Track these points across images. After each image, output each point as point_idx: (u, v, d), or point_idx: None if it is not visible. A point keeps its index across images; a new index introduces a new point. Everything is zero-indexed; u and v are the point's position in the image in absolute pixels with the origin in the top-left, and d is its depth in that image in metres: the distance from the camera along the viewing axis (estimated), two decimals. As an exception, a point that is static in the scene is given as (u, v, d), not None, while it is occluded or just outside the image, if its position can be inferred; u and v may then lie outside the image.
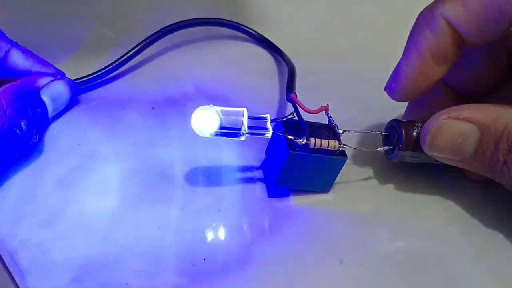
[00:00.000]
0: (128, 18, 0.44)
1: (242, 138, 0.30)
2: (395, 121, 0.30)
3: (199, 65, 0.40)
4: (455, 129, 0.28)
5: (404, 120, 0.31)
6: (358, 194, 0.31)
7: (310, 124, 0.30)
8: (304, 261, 0.28)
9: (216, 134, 0.29)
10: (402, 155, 0.30)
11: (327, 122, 0.30)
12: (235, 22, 0.42)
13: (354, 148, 0.30)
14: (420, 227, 0.29)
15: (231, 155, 0.33)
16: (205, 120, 0.29)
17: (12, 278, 0.27)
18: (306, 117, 0.30)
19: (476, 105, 0.29)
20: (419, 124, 0.30)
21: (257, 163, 0.33)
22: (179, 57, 0.41)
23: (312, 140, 0.28)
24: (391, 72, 0.31)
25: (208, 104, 0.29)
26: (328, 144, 0.29)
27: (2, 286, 0.27)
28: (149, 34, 0.39)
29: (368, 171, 0.33)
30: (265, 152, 0.32)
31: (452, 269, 0.27)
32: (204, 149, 0.33)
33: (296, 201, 0.31)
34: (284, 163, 0.29)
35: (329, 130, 0.30)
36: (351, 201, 0.31)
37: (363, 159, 0.33)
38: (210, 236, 0.29)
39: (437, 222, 0.30)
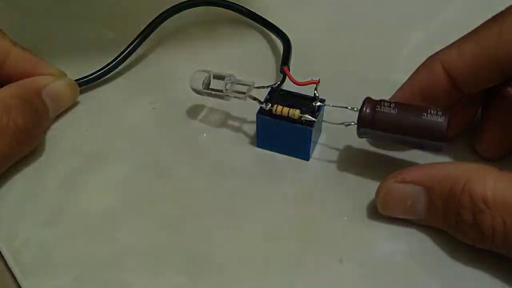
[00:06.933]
0: (128, 18, 0.44)
1: (227, 99, 0.33)
2: (366, 98, 0.30)
3: (197, 54, 0.41)
4: (402, 192, 0.28)
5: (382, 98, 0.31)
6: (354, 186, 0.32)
7: (295, 95, 0.33)
8: (303, 260, 0.28)
9: (206, 93, 0.33)
10: (362, 132, 0.30)
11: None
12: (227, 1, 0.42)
13: (315, 120, 0.31)
14: (420, 226, 0.29)
15: (231, 154, 0.33)
16: (198, 80, 0.33)
17: (14, 278, 0.27)
18: (302, 90, 0.32)
19: (424, 166, 0.29)
20: (386, 103, 0.29)
21: (257, 161, 0.33)
22: (176, 50, 0.41)
23: (275, 106, 0.31)
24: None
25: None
26: (288, 112, 0.31)
27: (3, 286, 0.27)
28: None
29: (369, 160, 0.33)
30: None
31: (452, 269, 0.27)
32: (204, 147, 0.34)
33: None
34: (257, 125, 0.32)
35: (308, 103, 0.32)
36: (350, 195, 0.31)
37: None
38: (210, 235, 0.29)
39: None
